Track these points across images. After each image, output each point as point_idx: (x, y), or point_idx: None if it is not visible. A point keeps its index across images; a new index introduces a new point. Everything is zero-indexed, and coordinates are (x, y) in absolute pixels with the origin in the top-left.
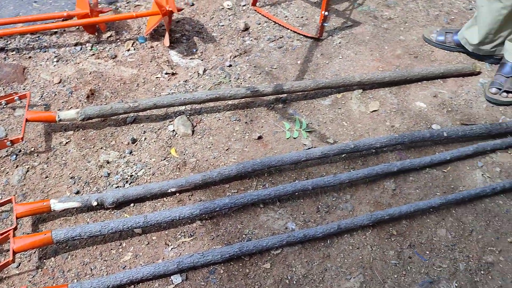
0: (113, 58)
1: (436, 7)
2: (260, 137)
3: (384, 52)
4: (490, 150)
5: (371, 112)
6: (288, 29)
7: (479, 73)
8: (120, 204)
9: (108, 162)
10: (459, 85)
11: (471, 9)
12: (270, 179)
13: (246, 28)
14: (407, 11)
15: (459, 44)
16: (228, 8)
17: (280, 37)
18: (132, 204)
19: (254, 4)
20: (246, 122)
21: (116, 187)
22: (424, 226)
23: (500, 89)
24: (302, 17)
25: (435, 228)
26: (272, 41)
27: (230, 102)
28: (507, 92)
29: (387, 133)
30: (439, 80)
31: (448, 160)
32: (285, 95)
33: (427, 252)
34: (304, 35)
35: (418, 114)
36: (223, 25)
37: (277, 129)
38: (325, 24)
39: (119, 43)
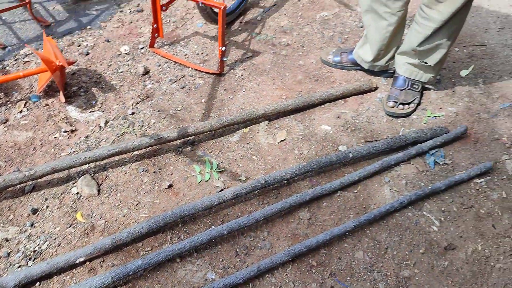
0: (4, 122)
1: (329, 28)
2: (170, 186)
3: (286, 79)
4: (394, 163)
5: (279, 142)
6: (189, 67)
7: (376, 88)
8: (24, 287)
9: (7, 240)
10: (359, 102)
11: (361, 27)
12: (185, 229)
13: (146, 72)
14: (303, 35)
15: (354, 63)
16: (126, 53)
17: (182, 77)
18: (38, 284)
19: (152, 46)
20: (154, 172)
21: (18, 267)
22: (342, 252)
23: (396, 102)
24: (202, 53)
25: (353, 252)
26: (174, 82)
27: (136, 152)
28: (403, 104)
29: (297, 161)
30: (340, 100)
31: (357, 180)
32: (192, 137)
33: (348, 278)
34: (206, 72)
35: (324, 138)
36: (122, 72)
37: (188, 174)
38: (225, 59)
39: (10, 105)
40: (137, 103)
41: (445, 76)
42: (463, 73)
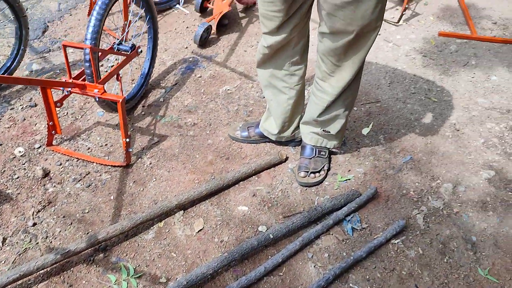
0: None
1: (234, 102)
2: None
3: (196, 161)
4: (315, 237)
5: (198, 232)
6: (93, 162)
7: (286, 159)
8: None
9: None
10: (273, 176)
11: (264, 97)
12: None
13: (46, 174)
14: (209, 113)
15: (262, 136)
16: (21, 156)
17: (87, 174)
18: None
19: (49, 144)
20: None
21: None
22: None
23: (307, 172)
24: (106, 144)
25: None
26: (79, 181)
27: (42, 271)
28: (314, 172)
29: (218, 250)
30: (254, 177)
31: (281, 262)
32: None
33: None
34: (112, 165)
35: (243, 220)
36: (18, 178)
37: (103, 286)
38: (130, 150)
39: None
40: (39, 211)
41: (349, 136)
42: (365, 131)
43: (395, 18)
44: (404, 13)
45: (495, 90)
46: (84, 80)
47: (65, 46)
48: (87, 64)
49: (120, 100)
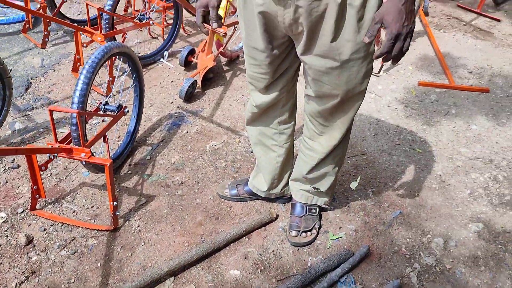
0: None
1: (221, 158)
2: None
3: (185, 223)
4: None
5: None
6: (79, 226)
7: (277, 217)
8: None
9: None
10: (263, 236)
11: (251, 152)
12: None
13: (30, 241)
14: (196, 170)
15: (251, 193)
16: (3, 222)
17: (72, 239)
18: None
19: (33, 208)
20: None
21: None
22: None
23: (298, 231)
24: (92, 207)
25: None
26: (64, 248)
27: None
28: (305, 231)
29: None
30: (244, 238)
31: None
32: None
33: None
34: (98, 229)
35: (235, 285)
36: (0, 246)
37: None
38: (118, 213)
39: None
40: (22, 282)
41: (338, 191)
42: (353, 185)
43: (375, 68)
44: (384, 64)
45: (477, 139)
46: (70, 142)
47: (51, 111)
48: (74, 127)
49: (108, 164)
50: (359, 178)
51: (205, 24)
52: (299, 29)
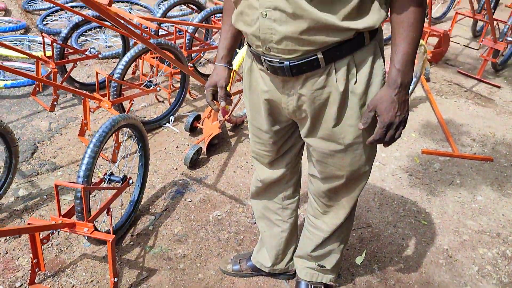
0: None
1: (224, 229)
2: None
3: None
4: None
5: None
6: None
7: None
8: None
9: None
10: None
11: (255, 223)
12: None
13: None
14: (199, 242)
15: (254, 269)
16: None
17: None
18: None
19: (32, 282)
20: None
21: None
22: None
23: None
24: (92, 281)
25: None
26: None
27: None
28: None
29: None
30: None
31: None
32: None
33: None
34: None
35: None
36: None
37: None
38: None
39: None
40: None
41: (344, 267)
42: (358, 260)
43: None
44: None
45: (482, 211)
46: (73, 214)
47: (57, 186)
48: (78, 201)
49: (111, 240)
50: (364, 252)
51: (215, 101)
52: (303, 115)
